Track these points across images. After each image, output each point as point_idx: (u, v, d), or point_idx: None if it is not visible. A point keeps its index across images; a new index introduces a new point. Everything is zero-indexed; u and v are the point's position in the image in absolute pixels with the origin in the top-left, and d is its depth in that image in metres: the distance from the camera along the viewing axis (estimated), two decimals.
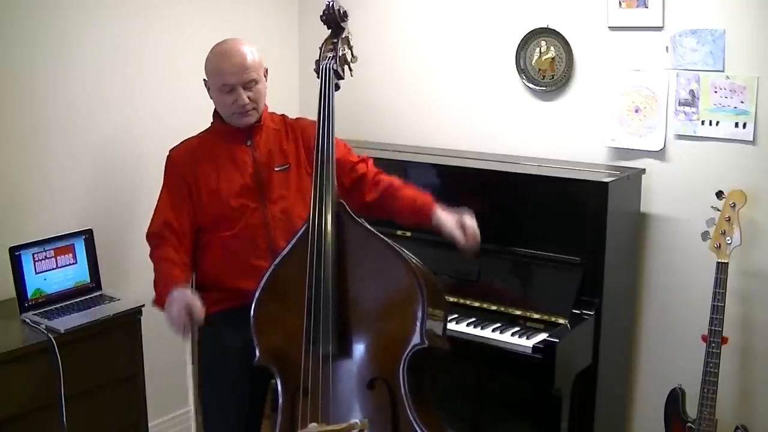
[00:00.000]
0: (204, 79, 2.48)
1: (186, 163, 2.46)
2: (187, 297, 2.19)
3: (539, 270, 2.85)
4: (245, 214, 2.42)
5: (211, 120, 2.55)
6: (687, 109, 2.94)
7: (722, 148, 2.89)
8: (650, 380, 3.16)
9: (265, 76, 2.49)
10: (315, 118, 2.34)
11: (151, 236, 2.45)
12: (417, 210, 2.47)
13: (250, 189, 2.44)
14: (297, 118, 2.64)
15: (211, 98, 2.49)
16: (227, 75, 2.38)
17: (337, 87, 2.34)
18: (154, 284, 2.36)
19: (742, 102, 2.82)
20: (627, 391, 3.20)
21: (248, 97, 2.41)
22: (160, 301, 2.27)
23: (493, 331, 2.73)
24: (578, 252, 2.78)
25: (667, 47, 2.94)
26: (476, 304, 2.88)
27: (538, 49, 3.21)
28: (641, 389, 3.20)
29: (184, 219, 2.43)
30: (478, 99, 3.43)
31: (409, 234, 3.07)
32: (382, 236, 2.22)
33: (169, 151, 2.52)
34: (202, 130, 2.56)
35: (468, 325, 2.78)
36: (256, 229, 2.42)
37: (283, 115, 2.61)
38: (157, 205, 2.48)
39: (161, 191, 2.50)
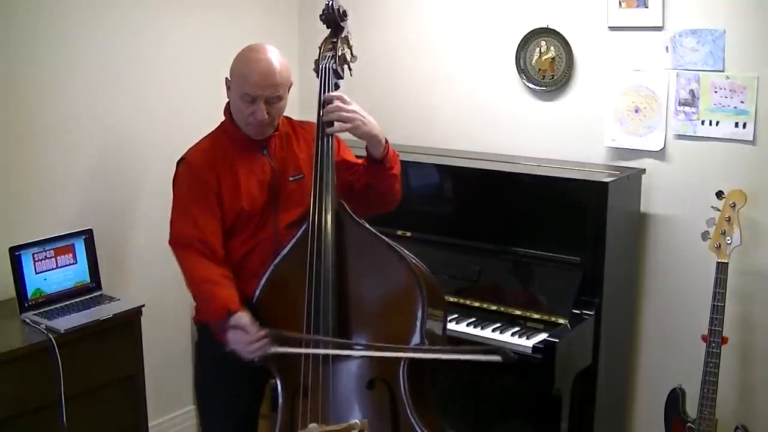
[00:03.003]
0: (226, 78, 2.35)
1: (207, 168, 2.32)
2: (240, 331, 2.12)
3: (539, 270, 2.85)
4: (258, 222, 2.36)
5: (223, 117, 2.43)
6: (687, 109, 2.94)
7: (722, 148, 2.89)
8: (650, 380, 3.16)
9: (288, 91, 2.36)
10: (314, 118, 2.33)
11: (180, 246, 2.30)
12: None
13: (265, 198, 2.36)
14: (303, 122, 2.53)
15: (229, 98, 2.37)
16: (253, 86, 2.24)
17: (337, 87, 2.34)
18: (204, 303, 2.26)
19: (742, 102, 2.82)
20: (627, 391, 3.20)
21: (268, 112, 2.28)
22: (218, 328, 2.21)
23: (493, 331, 2.73)
24: (578, 252, 2.78)
25: (667, 47, 2.94)
26: (476, 304, 2.89)
27: (538, 49, 3.21)
28: (641, 389, 3.20)
29: (216, 227, 2.29)
30: (478, 99, 3.42)
31: (409, 234, 3.08)
32: (381, 236, 2.22)
33: (184, 156, 2.37)
34: (212, 130, 2.44)
35: (468, 325, 2.78)
36: (266, 239, 2.36)
37: (288, 117, 2.51)
38: (179, 213, 2.31)
39: (183, 201, 2.32)
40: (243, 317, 2.15)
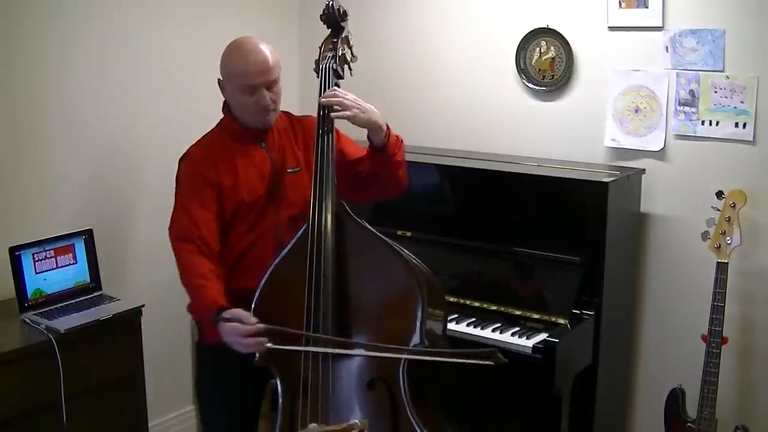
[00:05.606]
0: (219, 79, 2.39)
1: (206, 161, 2.36)
2: (235, 324, 2.11)
3: (539, 270, 2.86)
4: (257, 214, 2.38)
5: (222, 115, 2.46)
6: (687, 109, 2.94)
7: (722, 148, 2.89)
8: (650, 380, 3.16)
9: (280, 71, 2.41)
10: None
11: (177, 238, 2.32)
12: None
13: (264, 189, 2.38)
14: (301, 117, 2.57)
15: (227, 98, 2.41)
16: (252, 75, 2.29)
17: (337, 87, 2.34)
18: (194, 298, 2.25)
19: (742, 102, 2.82)
20: (627, 391, 3.20)
21: (270, 98, 2.33)
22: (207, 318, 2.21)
23: (493, 331, 2.73)
24: (578, 252, 2.78)
25: (666, 47, 2.94)
26: (476, 304, 2.89)
27: (538, 49, 3.21)
28: (641, 389, 3.20)
29: (212, 223, 2.32)
30: (479, 99, 3.42)
31: (409, 234, 3.08)
32: (381, 236, 2.22)
33: (185, 154, 2.42)
34: (212, 128, 2.48)
35: (468, 325, 2.78)
36: (266, 232, 2.38)
37: (286, 111, 2.53)
38: (178, 206, 2.36)
39: (182, 194, 2.37)
40: (239, 309, 2.13)
